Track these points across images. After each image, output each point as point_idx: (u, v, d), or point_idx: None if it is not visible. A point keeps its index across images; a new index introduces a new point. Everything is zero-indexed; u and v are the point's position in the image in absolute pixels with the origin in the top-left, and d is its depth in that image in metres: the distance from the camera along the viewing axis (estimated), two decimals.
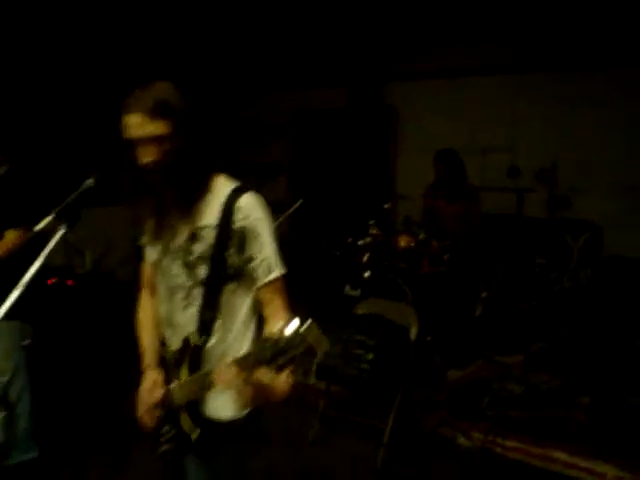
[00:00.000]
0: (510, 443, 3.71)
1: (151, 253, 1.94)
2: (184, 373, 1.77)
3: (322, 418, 3.81)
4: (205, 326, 1.77)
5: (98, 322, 5.25)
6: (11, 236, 3.26)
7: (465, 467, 3.60)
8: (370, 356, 3.74)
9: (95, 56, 6.54)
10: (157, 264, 1.89)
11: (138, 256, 5.74)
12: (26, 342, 2.61)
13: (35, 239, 3.21)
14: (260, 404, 1.70)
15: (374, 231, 4.82)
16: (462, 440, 3.82)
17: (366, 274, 4.73)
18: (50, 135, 6.15)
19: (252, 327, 1.86)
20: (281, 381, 1.47)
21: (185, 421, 1.78)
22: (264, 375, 1.45)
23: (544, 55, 5.89)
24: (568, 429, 3.80)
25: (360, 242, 4.76)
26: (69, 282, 5.09)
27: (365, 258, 4.83)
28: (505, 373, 4.52)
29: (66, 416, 3.66)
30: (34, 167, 3.59)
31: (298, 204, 1.49)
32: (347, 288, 5.10)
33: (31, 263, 1.70)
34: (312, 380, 4.06)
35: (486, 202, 5.26)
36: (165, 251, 1.84)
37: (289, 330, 1.38)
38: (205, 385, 1.68)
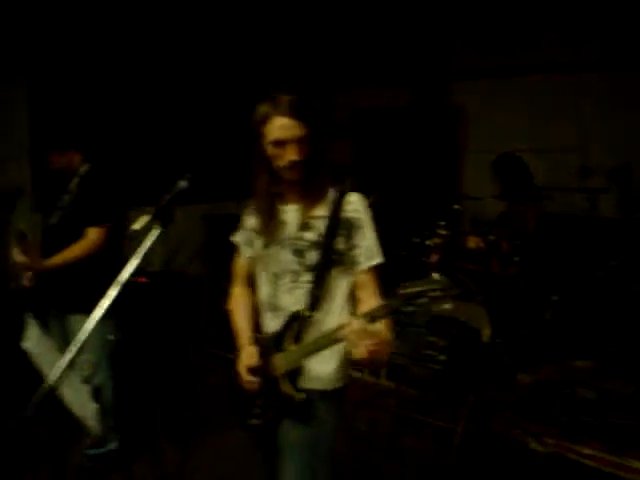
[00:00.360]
0: (584, 450, 3.64)
1: (251, 247, 2.19)
2: (289, 343, 2.02)
3: (392, 418, 3.82)
4: (314, 302, 2.01)
5: (170, 317, 5.41)
6: (92, 234, 3.35)
7: (537, 472, 3.55)
8: (442, 357, 3.73)
9: (185, 52, 6.63)
10: (261, 254, 2.13)
11: (207, 253, 5.87)
12: (111, 337, 2.70)
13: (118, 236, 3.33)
14: (366, 362, 1.81)
15: (443, 232, 4.78)
16: (534, 444, 3.76)
17: (435, 275, 4.69)
18: (134, 133, 6.28)
19: (347, 306, 2.10)
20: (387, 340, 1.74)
21: (287, 387, 2.01)
22: (381, 329, 1.71)
23: (617, 53, 5.73)
24: None
25: (428, 242, 4.72)
26: (141, 279, 5.25)
27: (434, 259, 4.78)
28: (577, 378, 4.42)
29: (139, 405, 3.77)
30: (116, 165, 3.67)
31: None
32: None
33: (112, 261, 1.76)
34: (383, 380, 4.07)
35: (557, 203, 5.15)
36: (272, 241, 2.08)
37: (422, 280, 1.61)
38: (311, 350, 1.96)
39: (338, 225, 2.00)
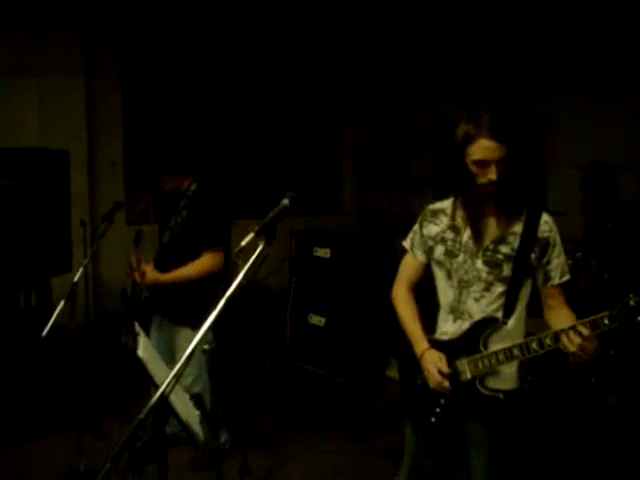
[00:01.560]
0: None
1: (426, 252, 2.37)
2: (481, 348, 2.19)
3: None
4: (508, 311, 2.20)
5: (255, 330, 5.54)
6: (209, 258, 3.47)
7: None
8: (529, 377, 3.66)
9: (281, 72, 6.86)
10: (444, 261, 2.29)
11: (292, 268, 5.96)
12: (207, 347, 2.80)
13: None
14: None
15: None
16: (625, 470, 3.66)
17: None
18: (234, 152, 6.50)
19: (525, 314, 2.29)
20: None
21: (481, 389, 2.19)
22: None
23: None
24: None
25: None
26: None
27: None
28: None
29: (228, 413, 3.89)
30: (223, 184, 3.81)
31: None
32: None
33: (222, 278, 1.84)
34: None
35: None
36: (463, 251, 2.25)
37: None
38: (505, 359, 2.13)
39: (534, 242, 2.15)
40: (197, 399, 2.10)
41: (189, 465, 3.73)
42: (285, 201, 1.95)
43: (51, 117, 5.53)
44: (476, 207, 2.22)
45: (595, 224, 5.00)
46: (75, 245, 4.71)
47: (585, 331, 1.94)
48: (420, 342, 2.33)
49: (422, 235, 2.38)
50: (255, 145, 6.80)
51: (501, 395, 2.17)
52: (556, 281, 2.20)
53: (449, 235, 2.28)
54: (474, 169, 2.12)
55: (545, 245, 2.16)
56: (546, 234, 2.17)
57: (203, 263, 3.46)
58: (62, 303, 3.26)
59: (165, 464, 1.94)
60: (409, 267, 2.47)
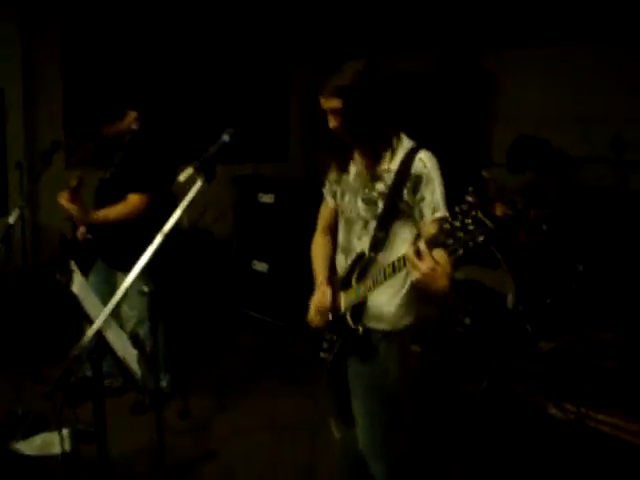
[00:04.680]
0: (603, 418, 3.68)
1: (334, 197, 2.45)
2: (353, 281, 2.23)
3: (415, 380, 3.88)
4: (375, 244, 2.20)
5: (198, 276, 5.51)
6: (133, 200, 3.42)
7: (555, 437, 3.61)
8: (467, 321, 3.77)
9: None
10: (339, 204, 2.39)
11: (236, 214, 5.92)
12: (146, 289, 2.77)
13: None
14: (423, 290, 1.92)
15: (470, 198, 4.76)
16: (554, 410, 3.82)
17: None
18: (178, 95, 6.34)
19: None
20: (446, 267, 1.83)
21: (349, 322, 2.21)
22: (440, 256, 1.79)
23: None
24: None
25: (457, 209, 4.70)
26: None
27: (464, 206, 4.76)
28: (599, 348, 4.45)
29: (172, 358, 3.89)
30: (166, 125, 3.73)
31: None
32: None
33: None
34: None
35: (588, 175, 5.12)
36: (348, 191, 2.32)
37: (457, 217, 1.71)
38: (365, 290, 2.15)
39: (406, 179, 2.15)
40: (135, 339, 2.08)
41: (130, 409, 3.73)
42: (225, 137, 1.92)
43: None
44: (343, 151, 2.32)
45: (538, 177, 5.09)
46: (12, 188, 4.57)
47: (421, 245, 1.83)
48: (317, 279, 2.45)
49: (329, 181, 2.49)
50: (200, 91, 6.65)
51: (360, 328, 2.19)
52: (429, 217, 2.13)
53: (339, 177, 2.38)
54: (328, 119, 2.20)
55: (417, 181, 2.14)
56: (419, 170, 2.14)
57: (127, 205, 3.42)
58: None
59: (102, 402, 1.93)
60: (323, 213, 2.60)
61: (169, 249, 3.60)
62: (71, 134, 5.70)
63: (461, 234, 1.69)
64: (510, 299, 3.63)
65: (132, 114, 3.56)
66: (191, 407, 3.79)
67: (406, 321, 2.28)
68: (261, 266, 5.37)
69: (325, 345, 2.37)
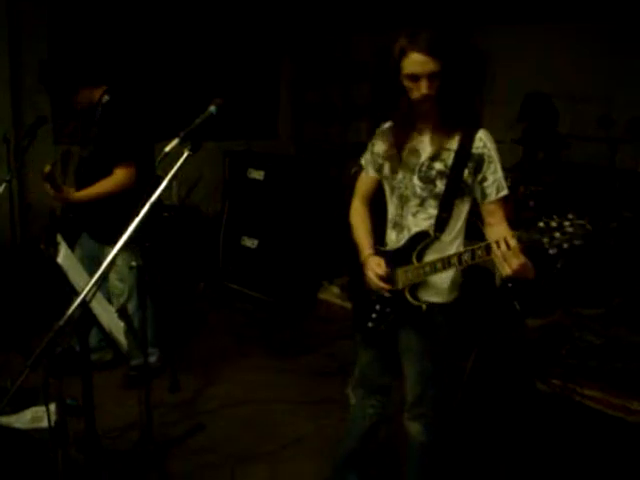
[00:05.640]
0: (588, 392, 3.73)
1: (377, 169, 2.42)
2: (414, 258, 2.25)
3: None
4: (440, 225, 2.23)
5: (186, 251, 5.51)
6: (119, 174, 3.37)
7: (541, 411, 3.65)
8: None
9: None
10: (389, 177, 2.35)
11: (225, 190, 5.91)
12: (134, 264, 2.78)
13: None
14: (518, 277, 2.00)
15: None
16: (539, 385, 3.86)
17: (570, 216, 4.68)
18: (159, 67, 6.26)
19: (464, 231, 2.33)
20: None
21: (409, 298, 2.26)
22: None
23: None
24: None
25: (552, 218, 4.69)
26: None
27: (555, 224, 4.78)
28: (584, 325, 4.49)
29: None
30: (138, 96, 3.66)
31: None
32: None
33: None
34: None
35: (577, 152, 5.13)
36: (402, 167, 2.28)
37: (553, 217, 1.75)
38: (430, 271, 2.18)
39: (468, 158, 2.16)
40: (122, 312, 2.08)
41: (119, 383, 3.75)
42: (212, 108, 1.91)
43: None
44: (404, 124, 2.26)
45: (529, 153, 5.10)
46: None
47: (512, 242, 1.91)
48: (364, 249, 2.43)
49: (372, 153, 2.44)
50: (191, 67, 6.58)
51: (424, 306, 2.24)
52: (493, 197, 2.21)
53: (392, 152, 2.32)
54: (407, 84, 2.12)
55: (479, 161, 2.17)
56: (480, 150, 2.16)
57: (114, 179, 3.37)
58: None
59: (90, 375, 1.93)
60: (363, 183, 2.56)
61: (158, 224, 3.62)
62: (59, 109, 5.64)
63: (558, 234, 1.74)
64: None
65: (100, 89, 3.48)
66: (180, 382, 3.81)
67: (455, 294, 2.34)
68: (250, 242, 5.37)
69: (374, 315, 2.39)
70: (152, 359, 3.70)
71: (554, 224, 1.75)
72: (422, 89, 2.08)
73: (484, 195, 2.22)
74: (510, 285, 4.46)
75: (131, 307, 3.47)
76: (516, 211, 4.77)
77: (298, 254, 5.22)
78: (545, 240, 1.77)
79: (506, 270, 1.94)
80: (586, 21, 5.90)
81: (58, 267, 1.89)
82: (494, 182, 2.19)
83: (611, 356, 4.07)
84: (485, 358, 3.83)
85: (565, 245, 1.75)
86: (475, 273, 3.88)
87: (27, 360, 1.53)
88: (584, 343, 4.23)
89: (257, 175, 5.30)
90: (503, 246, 1.92)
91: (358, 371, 2.66)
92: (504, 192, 2.21)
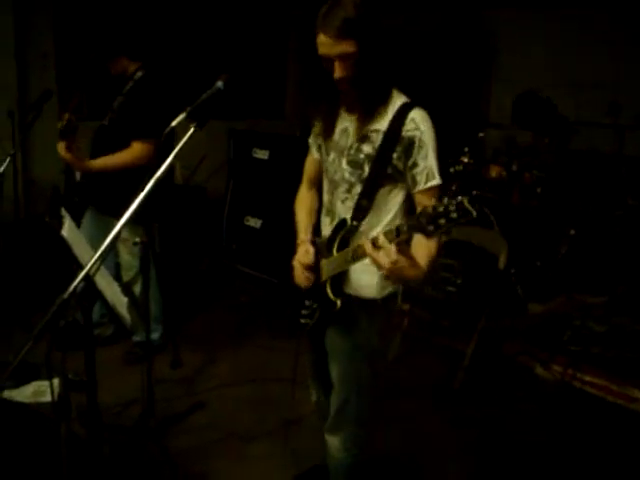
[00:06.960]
0: (589, 378, 3.73)
1: (319, 151, 2.22)
2: (334, 250, 2.03)
3: (404, 337, 3.91)
4: (359, 213, 2.00)
5: (190, 231, 5.50)
6: (137, 148, 3.35)
7: (542, 397, 3.66)
8: (458, 280, 3.78)
9: None
10: (324, 161, 2.16)
11: (230, 169, 5.89)
12: (138, 239, 2.77)
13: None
14: (398, 281, 1.89)
15: (466, 159, 4.76)
16: (540, 370, 3.87)
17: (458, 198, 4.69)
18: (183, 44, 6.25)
19: (399, 222, 1.94)
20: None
21: (329, 292, 2.04)
22: (404, 249, 1.69)
23: None
24: None
25: (451, 170, 4.71)
26: None
27: (454, 186, 4.78)
28: (587, 312, 4.49)
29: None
30: (171, 75, 3.66)
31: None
32: None
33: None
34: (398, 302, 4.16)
35: (584, 139, 5.11)
36: (333, 149, 2.09)
37: (442, 201, 1.53)
38: (350, 258, 1.90)
39: (396, 141, 1.93)
40: (126, 287, 2.08)
41: (122, 359, 3.76)
42: (219, 83, 1.89)
43: None
44: (330, 102, 2.06)
45: (536, 140, 5.08)
46: (4, 137, 4.50)
47: (379, 238, 1.72)
48: (299, 234, 2.26)
49: (314, 133, 2.25)
50: (198, 44, 6.54)
51: (339, 302, 2.02)
52: (422, 186, 1.95)
53: (325, 132, 2.13)
54: (326, 65, 1.91)
55: (409, 145, 1.92)
56: (411, 133, 1.91)
57: (132, 152, 3.35)
58: None
59: (93, 348, 1.93)
60: (309, 165, 2.38)
61: (163, 203, 3.60)
62: (64, 85, 5.61)
63: (443, 221, 1.52)
64: (502, 260, 3.64)
65: (136, 64, 3.50)
66: (182, 359, 3.82)
67: (388, 290, 2.11)
68: (254, 222, 5.36)
69: (305, 311, 2.17)
70: (155, 336, 3.71)
71: (441, 209, 1.52)
72: (335, 72, 1.88)
73: (414, 183, 1.97)
74: (513, 270, 4.47)
75: (139, 283, 3.44)
76: (522, 198, 4.76)
77: None
78: (430, 228, 1.55)
79: (379, 268, 1.74)
80: (599, 8, 5.87)
81: (62, 240, 1.88)
82: (424, 169, 1.93)
83: (613, 344, 4.08)
84: (486, 342, 3.84)
85: (450, 230, 1.57)
86: (478, 256, 3.89)
87: (28, 333, 1.52)
88: (586, 330, 4.23)
89: (262, 155, 5.27)
90: (368, 245, 1.74)
91: (310, 368, 2.51)
92: (434, 181, 1.94)
